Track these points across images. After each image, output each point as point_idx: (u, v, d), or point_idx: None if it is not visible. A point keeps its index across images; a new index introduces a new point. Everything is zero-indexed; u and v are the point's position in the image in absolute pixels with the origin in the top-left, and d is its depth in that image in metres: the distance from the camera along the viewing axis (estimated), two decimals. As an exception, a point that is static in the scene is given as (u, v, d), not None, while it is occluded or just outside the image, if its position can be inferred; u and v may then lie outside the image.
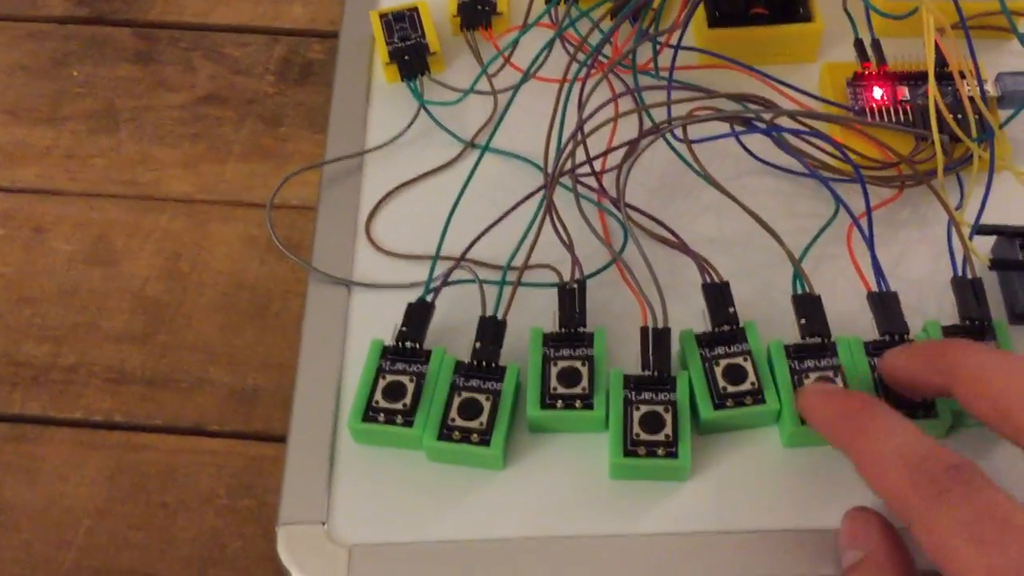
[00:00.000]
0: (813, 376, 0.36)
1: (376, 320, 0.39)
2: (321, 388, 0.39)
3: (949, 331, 0.37)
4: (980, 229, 0.40)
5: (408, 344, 0.38)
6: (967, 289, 0.38)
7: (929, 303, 0.40)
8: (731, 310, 0.37)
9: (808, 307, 0.38)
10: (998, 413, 0.30)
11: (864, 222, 0.39)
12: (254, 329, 0.43)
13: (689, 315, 0.38)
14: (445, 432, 0.36)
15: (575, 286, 0.38)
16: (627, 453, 0.35)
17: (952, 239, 0.39)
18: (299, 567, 0.35)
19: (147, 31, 0.54)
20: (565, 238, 0.39)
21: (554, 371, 0.37)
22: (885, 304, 0.38)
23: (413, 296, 0.39)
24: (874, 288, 0.38)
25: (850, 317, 0.39)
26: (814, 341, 0.37)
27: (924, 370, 0.33)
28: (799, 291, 0.38)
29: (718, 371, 0.36)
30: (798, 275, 0.38)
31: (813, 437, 0.36)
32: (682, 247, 0.40)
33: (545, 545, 0.35)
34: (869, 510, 0.34)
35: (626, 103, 0.43)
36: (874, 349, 0.37)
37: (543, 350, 0.37)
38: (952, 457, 0.29)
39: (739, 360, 0.36)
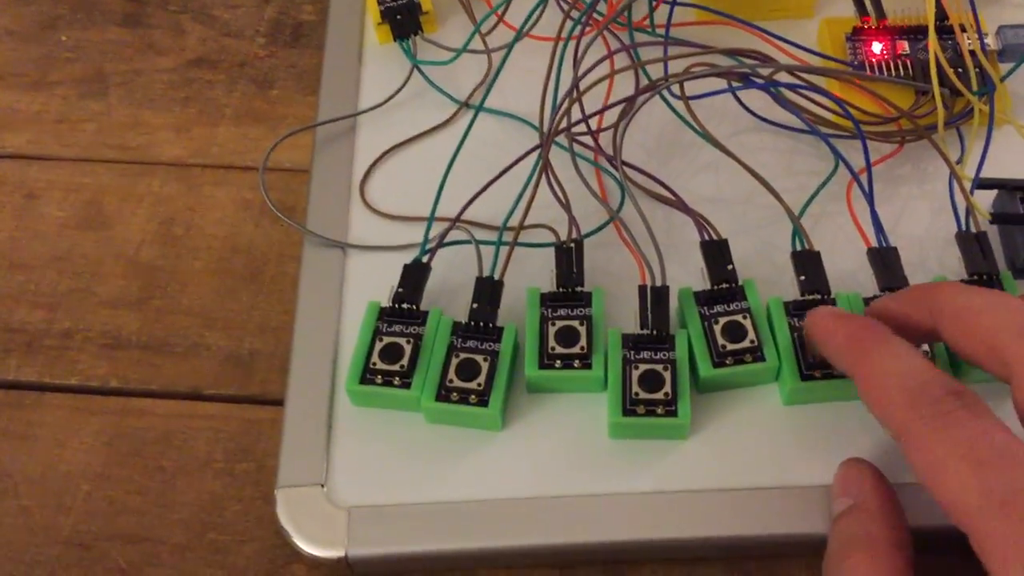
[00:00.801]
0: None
1: (372, 282, 0.39)
2: (318, 351, 0.39)
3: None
4: (981, 183, 0.39)
5: (405, 305, 0.37)
6: (973, 243, 0.38)
7: (930, 258, 0.40)
8: (730, 268, 0.37)
9: (807, 263, 0.37)
10: (986, 349, 0.30)
11: (864, 178, 0.39)
12: (249, 293, 0.42)
13: (688, 274, 0.38)
14: (443, 393, 0.36)
15: (572, 245, 0.38)
16: (626, 412, 0.35)
17: (954, 193, 0.39)
18: (298, 529, 0.35)
19: (135, -7, 0.54)
20: (562, 197, 0.39)
21: (552, 331, 0.36)
22: (885, 259, 0.37)
23: (409, 257, 0.39)
24: (874, 244, 0.38)
25: (850, 274, 0.39)
26: (813, 297, 0.37)
27: (911, 311, 0.33)
28: (798, 248, 0.38)
29: (717, 329, 0.36)
30: (797, 232, 0.38)
31: (813, 394, 0.36)
32: (680, 205, 0.40)
33: (544, 505, 0.35)
34: (863, 461, 0.34)
35: (622, 60, 0.43)
36: (874, 305, 0.37)
37: (541, 310, 0.37)
38: (955, 384, 0.29)
39: (738, 318, 0.36)
